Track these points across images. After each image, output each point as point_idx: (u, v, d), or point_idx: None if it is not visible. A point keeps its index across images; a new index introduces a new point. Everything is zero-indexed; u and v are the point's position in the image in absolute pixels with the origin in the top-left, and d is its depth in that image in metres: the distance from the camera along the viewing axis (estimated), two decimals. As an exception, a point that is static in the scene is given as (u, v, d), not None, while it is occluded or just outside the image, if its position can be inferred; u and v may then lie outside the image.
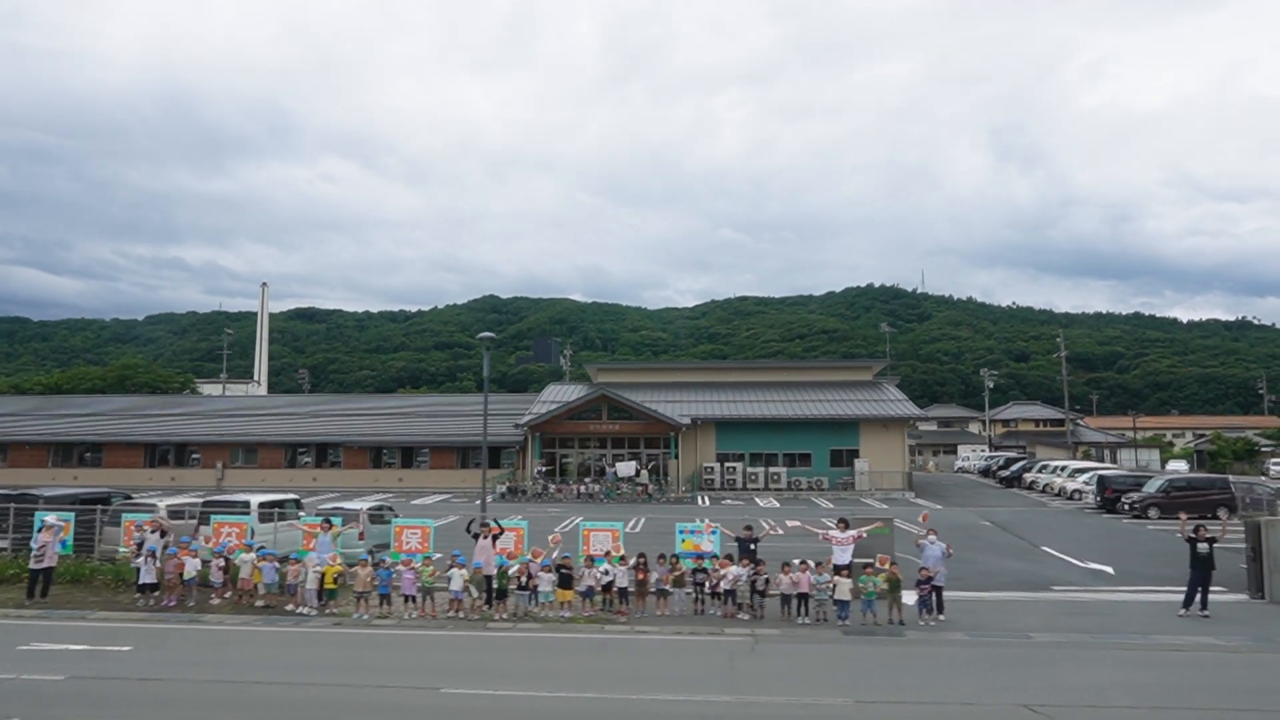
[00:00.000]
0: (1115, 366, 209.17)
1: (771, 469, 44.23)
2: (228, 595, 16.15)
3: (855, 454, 44.55)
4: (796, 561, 15.59)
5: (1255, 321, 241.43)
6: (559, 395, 48.78)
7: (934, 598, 15.14)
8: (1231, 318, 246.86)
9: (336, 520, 17.56)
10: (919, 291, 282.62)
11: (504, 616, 15.00)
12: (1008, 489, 49.33)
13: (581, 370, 68.15)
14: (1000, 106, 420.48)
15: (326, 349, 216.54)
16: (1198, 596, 15.81)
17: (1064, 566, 21.73)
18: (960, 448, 74.13)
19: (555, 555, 15.64)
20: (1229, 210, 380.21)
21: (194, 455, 47.27)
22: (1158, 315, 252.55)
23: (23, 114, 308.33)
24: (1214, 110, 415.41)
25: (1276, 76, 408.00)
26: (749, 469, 44.20)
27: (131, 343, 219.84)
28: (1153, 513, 32.36)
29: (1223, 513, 31.88)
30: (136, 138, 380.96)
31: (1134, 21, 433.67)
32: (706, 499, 40.09)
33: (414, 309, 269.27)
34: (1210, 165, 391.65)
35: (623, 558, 16.06)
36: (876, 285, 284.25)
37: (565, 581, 15.17)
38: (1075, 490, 39.95)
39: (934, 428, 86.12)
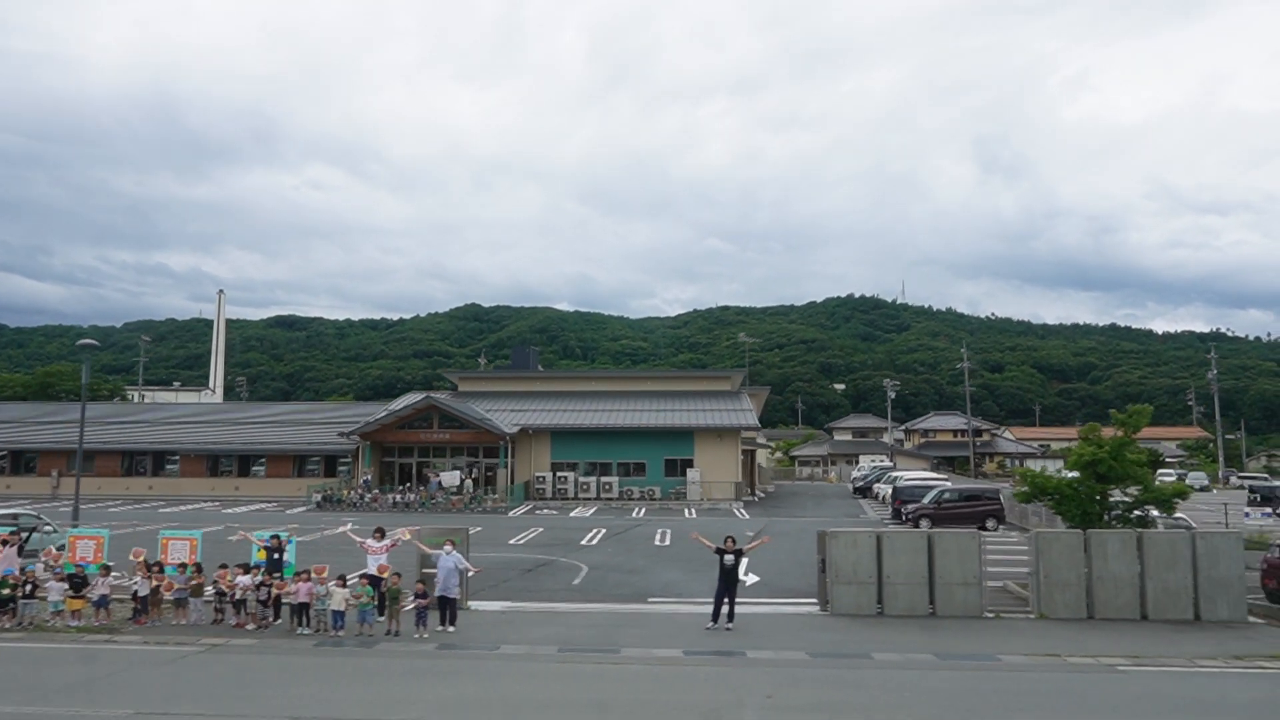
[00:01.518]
0: (1088, 377, 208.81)
1: (605, 478, 44.32)
2: None
3: (690, 464, 44.62)
4: (322, 570, 15.69)
5: (1229, 334, 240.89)
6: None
7: (448, 610, 15.24)
8: (1208, 329, 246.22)
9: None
10: (898, 302, 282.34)
11: (7, 626, 15.13)
12: (858, 499, 49.52)
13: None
14: (984, 118, 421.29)
15: (304, 357, 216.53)
16: (724, 609, 15.89)
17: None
18: (862, 458, 74.19)
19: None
20: (1210, 223, 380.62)
21: (31, 462, 47.52)
22: (1134, 327, 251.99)
23: (3, 118, 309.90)
24: (1195, 124, 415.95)
25: (1256, 91, 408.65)
26: (581, 478, 44.27)
27: (109, 349, 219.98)
28: (924, 523, 32.34)
29: (990, 523, 31.97)
30: (120, 143, 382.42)
31: (1115, 35, 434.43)
32: (522, 509, 40.18)
33: (395, 317, 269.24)
34: (1191, 178, 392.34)
35: (158, 564, 16.20)
36: (857, 296, 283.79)
37: (77, 588, 15.31)
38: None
39: (849, 437, 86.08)
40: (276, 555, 16.12)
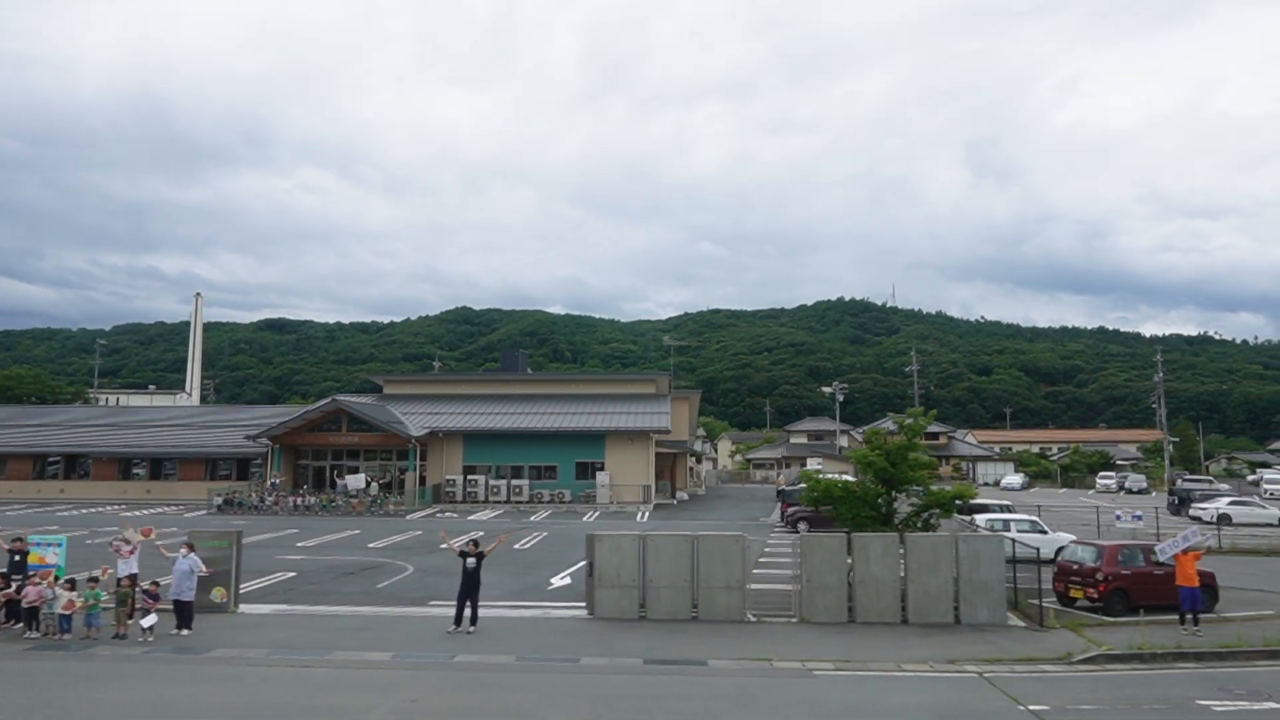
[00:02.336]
0: (1075, 380, 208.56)
1: (516, 481, 44.37)
2: None
3: (600, 466, 44.66)
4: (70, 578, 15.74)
5: (1216, 336, 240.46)
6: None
7: (184, 614, 15.28)
8: (1195, 333, 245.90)
9: None
10: (888, 305, 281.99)
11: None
12: (779, 503, 49.47)
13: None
14: (976, 122, 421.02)
15: (293, 360, 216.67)
16: (467, 612, 15.91)
17: (534, 581, 21.87)
18: (810, 460, 74.08)
19: None
20: (1200, 227, 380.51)
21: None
22: (1122, 330, 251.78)
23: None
24: (1185, 128, 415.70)
25: (1246, 95, 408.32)
26: (493, 481, 44.31)
27: (96, 352, 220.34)
28: (802, 526, 32.39)
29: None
30: (111, 145, 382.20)
31: (1107, 40, 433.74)
32: (422, 513, 40.21)
33: (386, 320, 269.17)
34: (1182, 182, 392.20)
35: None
36: (847, 299, 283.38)
37: None
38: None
39: (804, 440, 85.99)
40: (18, 558, 16.15)
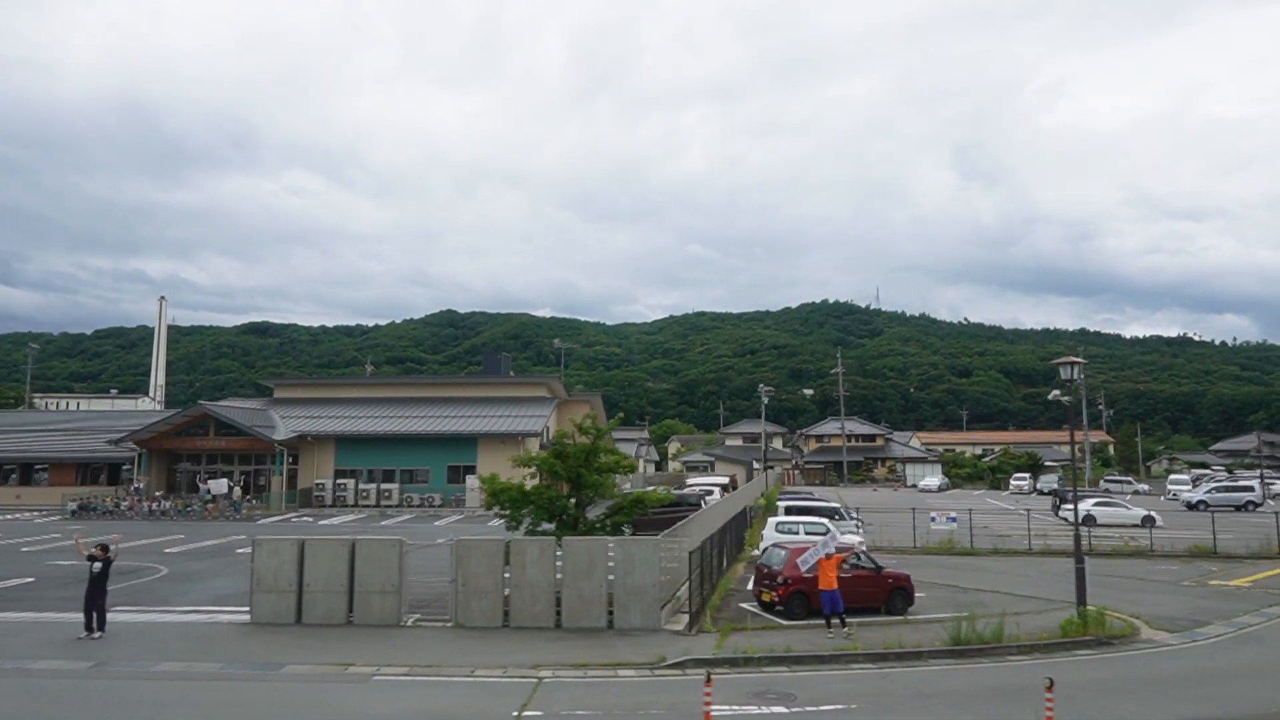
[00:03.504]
0: (1054, 382, 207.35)
1: (386, 485, 44.43)
2: None
3: (472, 470, 44.68)
4: None
5: (1196, 338, 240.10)
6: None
7: None
8: (1175, 334, 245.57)
9: None
10: (872, 307, 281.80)
11: None
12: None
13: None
14: (964, 125, 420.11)
15: (276, 364, 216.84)
16: (95, 617, 15.94)
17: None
18: (716, 466, 73.96)
19: None
20: (1186, 229, 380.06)
21: None
22: (1103, 332, 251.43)
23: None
24: (1171, 131, 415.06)
25: (1231, 98, 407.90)
26: (363, 485, 44.37)
27: (78, 357, 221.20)
28: (627, 530, 32.33)
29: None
30: (95, 148, 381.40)
31: (1093, 43, 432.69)
32: (277, 518, 40.26)
33: (371, 323, 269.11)
34: (1168, 185, 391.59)
35: None
36: (831, 301, 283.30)
37: None
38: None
39: (739, 443, 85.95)
40: None
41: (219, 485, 42.00)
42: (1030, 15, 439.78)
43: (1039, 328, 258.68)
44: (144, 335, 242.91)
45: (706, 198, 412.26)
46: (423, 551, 24.46)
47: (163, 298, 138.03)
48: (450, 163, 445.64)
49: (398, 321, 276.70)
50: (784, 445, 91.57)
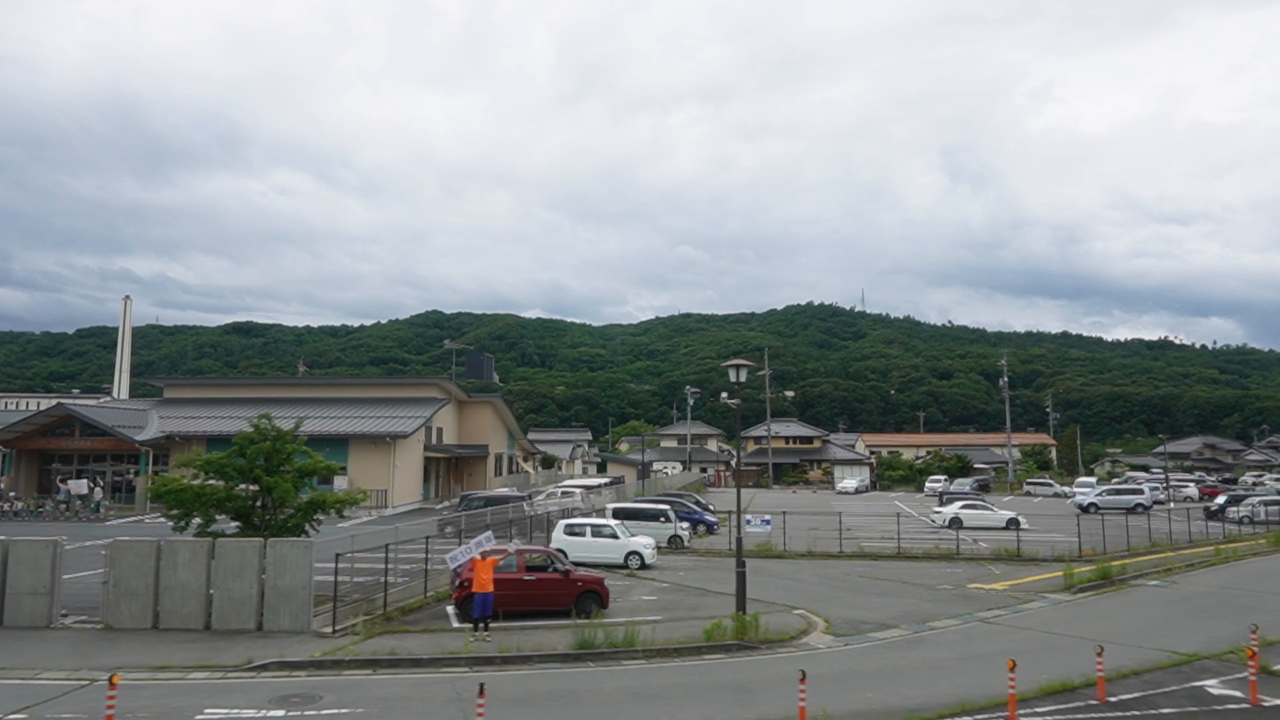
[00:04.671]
0: (1033, 385, 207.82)
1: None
2: None
3: (343, 471, 44.55)
4: None
5: (1176, 341, 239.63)
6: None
7: None
8: (1156, 337, 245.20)
9: None
10: (856, 310, 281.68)
11: None
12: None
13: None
14: (951, 128, 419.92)
15: (258, 364, 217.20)
16: None
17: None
18: (657, 465, 73.76)
19: None
20: (1172, 232, 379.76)
21: None
22: (1085, 335, 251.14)
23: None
24: (1157, 135, 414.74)
25: (1216, 103, 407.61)
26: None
27: (59, 356, 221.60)
28: (450, 530, 32.27)
29: (514, 531, 31.73)
30: (81, 146, 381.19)
31: (1080, 48, 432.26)
32: (130, 520, 40.20)
33: (357, 324, 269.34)
34: (1154, 189, 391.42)
35: None
36: (816, 303, 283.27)
37: None
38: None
39: (674, 444, 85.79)
40: None
41: (79, 486, 41.92)
42: (1018, 20, 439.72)
43: (1021, 330, 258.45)
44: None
45: (696, 199, 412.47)
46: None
47: (127, 297, 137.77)
48: (439, 163, 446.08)
49: (383, 322, 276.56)
50: (719, 447, 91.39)
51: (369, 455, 44.73)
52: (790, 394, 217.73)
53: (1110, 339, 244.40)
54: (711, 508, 44.72)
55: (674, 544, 31.93)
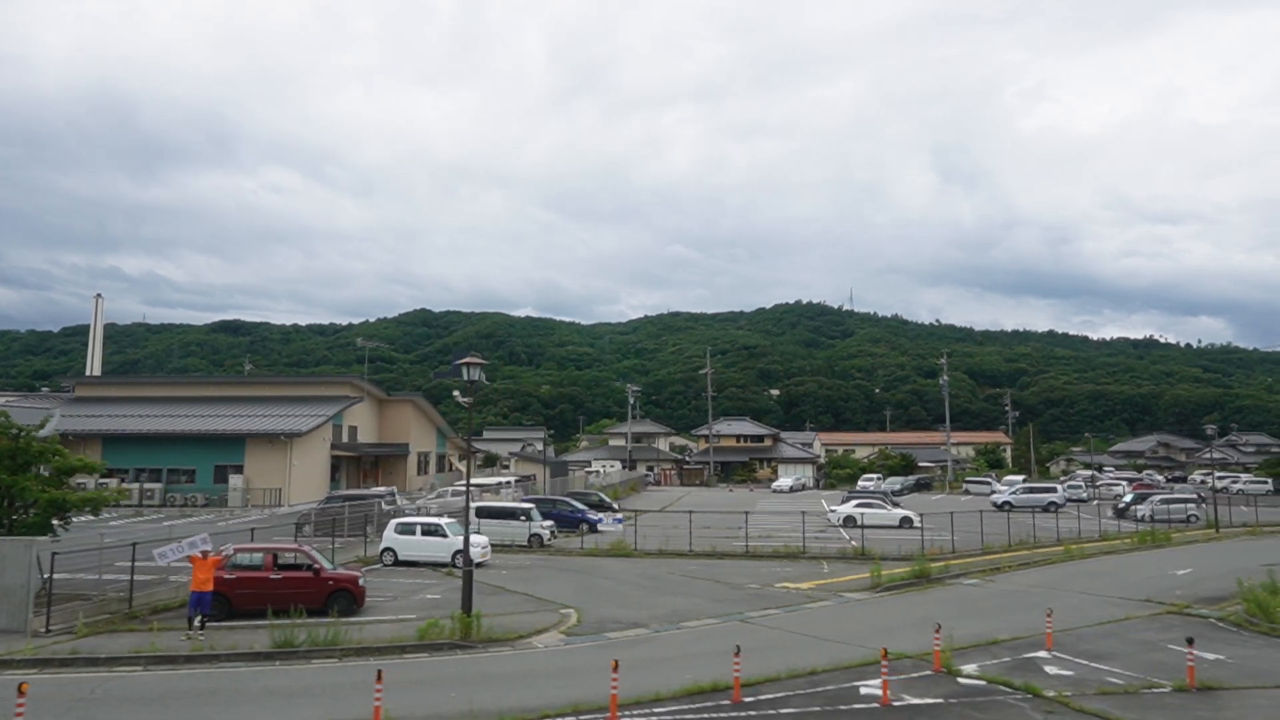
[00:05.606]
0: (1018, 383, 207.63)
1: (150, 485, 44.29)
2: None
3: (239, 470, 44.53)
4: None
5: (1162, 340, 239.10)
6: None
7: None
8: (1142, 336, 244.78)
9: None
10: (844, 309, 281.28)
11: None
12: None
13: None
14: (944, 128, 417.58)
15: (243, 363, 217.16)
16: None
17: None
18: (595, 463, 73.60)
19: None
20: (1163, 232, 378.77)
21: None
22: (1071, 334, 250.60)
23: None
24: (1148, 135, 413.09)
25: (1208, 104, 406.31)
26: (127, 485, 44.20)
27: (44, 354, 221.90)
28: (308, 529, 32.19)
29: (370, 530, 31.65)
30: (70, 143, 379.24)
31: (1072, 48, 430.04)
32: None
33: (345, 322, 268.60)
34: (1144, 189, 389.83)
35: None
36: (805, 302, 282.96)
37: None
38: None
39: (622, 443, 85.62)
40: None
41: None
42: (1011, 19, 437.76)
43: (1008, 329, 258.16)
44: (112, 333, 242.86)
45: (689, 198, 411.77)
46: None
47: (99, 295, 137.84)
48: (433, 161, 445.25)
49: (371, 320, 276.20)
50: (670, 445, 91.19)
51: (266, 454, 44.61)
52: (775, 392, 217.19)
53: (1098, 338, 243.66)
54: (616, 507, 44.56)
55: (533, 543, 31.72)
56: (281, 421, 45.58)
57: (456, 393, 23.68)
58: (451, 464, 65.41)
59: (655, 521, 38.55)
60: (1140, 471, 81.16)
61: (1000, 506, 51.09)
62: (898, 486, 63.91)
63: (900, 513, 41.22)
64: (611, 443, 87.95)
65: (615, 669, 11.62)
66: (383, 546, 27.19)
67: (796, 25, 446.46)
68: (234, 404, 48.50)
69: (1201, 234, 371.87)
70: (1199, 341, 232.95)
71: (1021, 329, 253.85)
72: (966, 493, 67.67)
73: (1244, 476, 69.36)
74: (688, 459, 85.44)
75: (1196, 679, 13.28)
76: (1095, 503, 55.31)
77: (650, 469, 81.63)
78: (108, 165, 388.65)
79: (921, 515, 39.74)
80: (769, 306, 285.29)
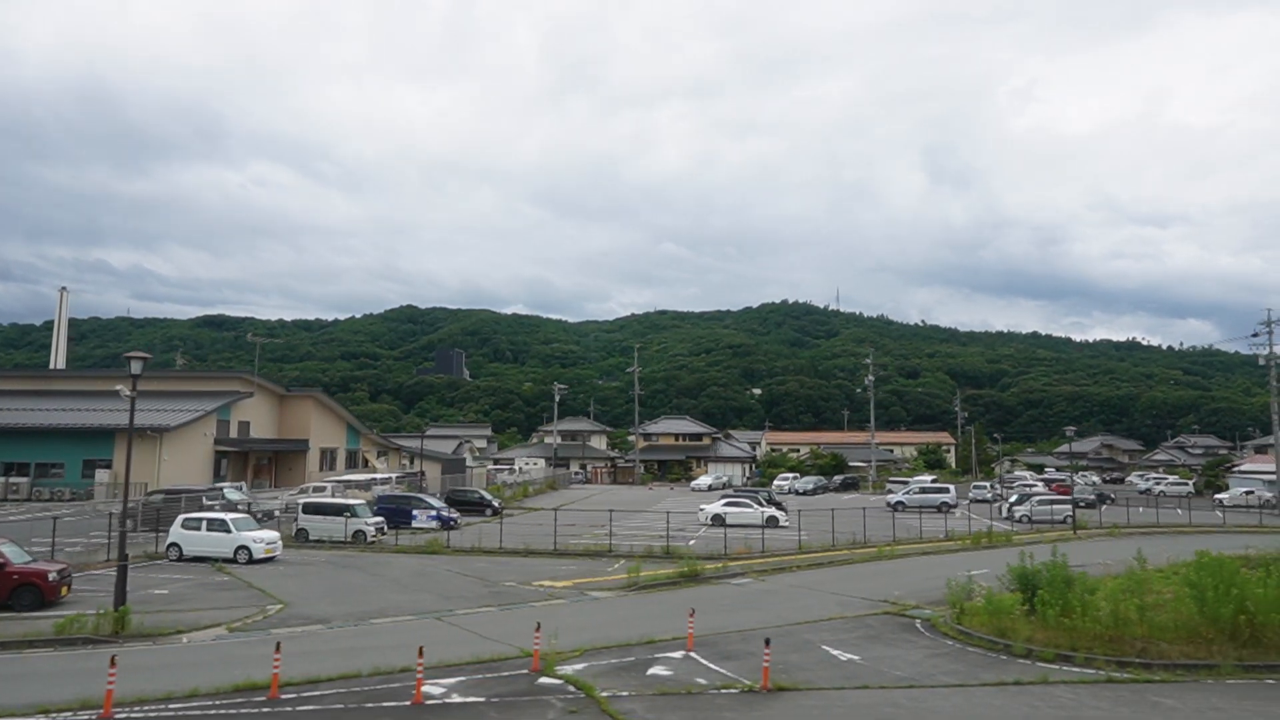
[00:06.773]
0: (999, 384, 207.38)
1: (16, 479, 44.03)
2: None
3: (107, 464, 44.23)
4: None
5: (1144, 342, 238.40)
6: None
7: None
8: (1126, 338, 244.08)
9: None
10: (830, 308, 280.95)
11: None
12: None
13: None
14: (935, 127, 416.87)
15: (227, 358, 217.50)
16: None
17: None
18: (518, 461, 73.23)
19: None
20: (1150, 234, 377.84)
21: None
22: (1054, 335, 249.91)
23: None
24: (1137, 137, 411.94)
25: (1196, 106, 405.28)
26: (-12, 479, 43.99)
27: (25, 348, 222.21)
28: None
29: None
30: (55, 135, 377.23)
31: (1062, 48, 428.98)
32: None
33: (331, 318, 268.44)
34: (1132, 190, 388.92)
35: None
36: (791, 302, 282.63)
37: None
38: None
39: (558, 440, 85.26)
40: None
41: None
42: (1002, 20, 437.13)
43: (992, 330, 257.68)
44: (95, 327, 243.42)
45: (680, 196, 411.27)
46: None
47: (63, 289, 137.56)
48: (422, 157, 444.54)
49: (358, 316, 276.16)
50: (608, 445, 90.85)
51: (135, 447, 44.18)
52: (757, 391, 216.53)
53: (1083, 340, 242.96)
54: (497, 506, 44.38)
55: (357, 539, 31.34)
56: (151, 416, 45.17)
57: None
58: (367, 460, 65.11)
59: (540, 520, 37.97)
60: (1078, 473, 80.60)
61: (894, 506, 50.77)
62: (810, 486, 63.58)
63: (767, 511, 40.75)
64: (547, 440, 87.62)
65: (105, 670, 11.22)
66: (169, 542, 26.92)
67: (788, 23, 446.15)
68: (99, 398, 48.09)
69: (1189, 236, 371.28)
70: (1180, 344, 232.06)
71: (1014, 329, 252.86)
72: (890, 493, 67.30)
73: (1169, 478, 68.93)
74: (624, 457, 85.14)
75: (773, 680, 12.89)
76: (998, 504, 54.85)
77: (583, 467, 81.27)
78: (94, 158, 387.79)
79: (799, 513, 39.33)
80: (756, 306, 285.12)
